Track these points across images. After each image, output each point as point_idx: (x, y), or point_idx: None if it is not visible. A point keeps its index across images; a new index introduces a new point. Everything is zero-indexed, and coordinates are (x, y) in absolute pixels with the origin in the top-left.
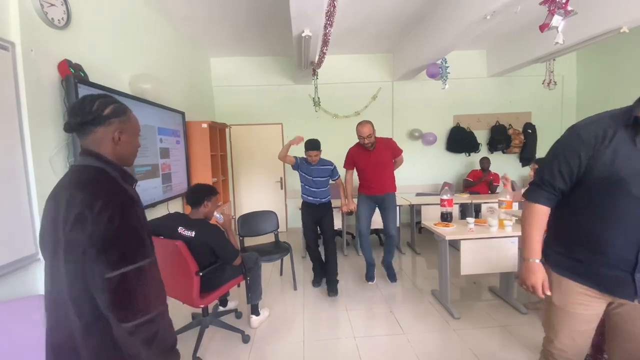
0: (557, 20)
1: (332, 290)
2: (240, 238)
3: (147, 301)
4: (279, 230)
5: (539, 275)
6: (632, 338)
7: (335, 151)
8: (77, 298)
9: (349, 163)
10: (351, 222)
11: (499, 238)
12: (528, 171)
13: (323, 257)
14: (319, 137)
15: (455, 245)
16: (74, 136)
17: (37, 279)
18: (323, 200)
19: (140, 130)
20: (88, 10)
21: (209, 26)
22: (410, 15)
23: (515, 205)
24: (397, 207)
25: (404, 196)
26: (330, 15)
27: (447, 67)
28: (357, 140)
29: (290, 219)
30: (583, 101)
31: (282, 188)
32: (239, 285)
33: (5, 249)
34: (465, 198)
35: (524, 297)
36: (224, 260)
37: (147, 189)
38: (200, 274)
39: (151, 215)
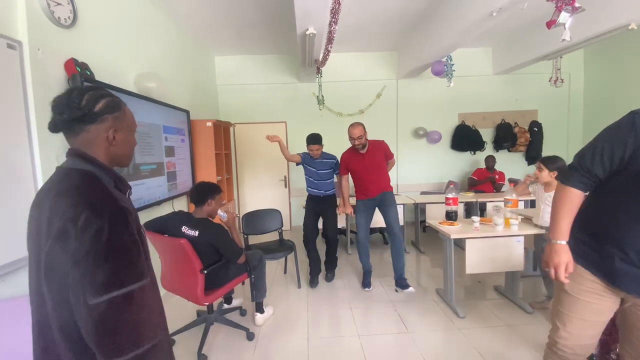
0: (564, 17)
1: (330, 272)
2: (245, 236)
3: (137, 332)
4: (283, 228)
5: (563, 257)
6: None
7: (339, 149)
8: (64, 325)
9: (343, 169)
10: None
11: (505, 237)
12: (534, 170)
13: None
14: (323, 135)
15: (460, 244)
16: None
17: None
18: (327, 192)
19: (136, 126)
20: (94, 9)
21: (213, 25)
22: (416, 12)
23: (521, 204)
24: (399, 206)
25: (408, 195)
26: (334, 12)
27: (453, 64)
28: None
29: (294, 218)
30: (590, 99)
31: (286, 186)
32: (243, 283)
33: (14, 246)
34: (470, 197)
35: (529, 297)
36: (228, 258)
37: (152, 187)
38: (205, 271)
39: (156, 213)
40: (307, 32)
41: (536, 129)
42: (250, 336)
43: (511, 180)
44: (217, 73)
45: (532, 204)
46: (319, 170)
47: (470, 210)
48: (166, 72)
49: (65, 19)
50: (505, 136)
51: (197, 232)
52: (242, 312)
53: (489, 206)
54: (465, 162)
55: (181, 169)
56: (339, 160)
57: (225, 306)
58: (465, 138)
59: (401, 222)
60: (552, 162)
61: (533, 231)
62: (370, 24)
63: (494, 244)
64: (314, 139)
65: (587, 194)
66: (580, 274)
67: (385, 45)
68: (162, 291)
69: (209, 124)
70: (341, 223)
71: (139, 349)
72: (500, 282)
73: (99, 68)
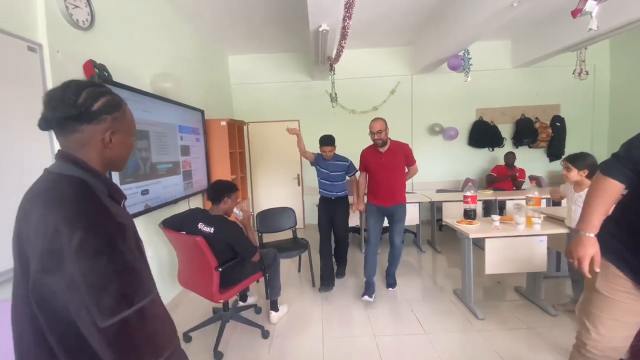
0: (591, 5)
1: (340, 269)
2: (259, 234)
3: (155, 345)
4: (296, 226)
5: (589, 249)
6: None
7: (352, 147)
8: (63, 337)
9: (362, 166)
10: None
11: (527, 237)
12: (557, 167)
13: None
14: (336, 133)
15: (478, 243)
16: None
17: None
18: (339, 194)
19: (135, 128)
20: (110, 11)
21: (226, 24)
22: (432, 4)
23: (544, 203)
24: (414, 204)
25: (424, 193)
26: (349, 6)
27: (470, 58)
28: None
29: (307, 216)
30: (616, 92)
31: (299, 185)
32: (258, 281)
33: None
34: (489, 195)
35: (552, 298)
36: (243, 256)
37: (168, 186)
38: (220, 269)
39: (173, 211)
40: (320, 29)
41: (558, 124)
42: (265, 334)
43: (532, 178)
44: (230, 72)
45: (553, 202)
46: (331, 172)
47: (489, 208)
48: (181, 72)
49: (83, 21)
50: (525, 132)
51: (212, 229)
52: (257, 309)
53: (509, 204)
54: (483, 159)
55: (196, 168)
56: (356, 158)
57: (241, 304)
58: (483, 134)
59: (417, 221)
60: (581, 160)
61: (556, 230)
62: (384, 18)
63: (515, 243)
64: (327, 141)
65: (625, 189)
66: (614, 272)
67: (399, 40)
68: (179, 288)
69: (223, 123)
70: (356, 221)
71: (160, 358)
72: (520, 283)
73: (116, 69)
